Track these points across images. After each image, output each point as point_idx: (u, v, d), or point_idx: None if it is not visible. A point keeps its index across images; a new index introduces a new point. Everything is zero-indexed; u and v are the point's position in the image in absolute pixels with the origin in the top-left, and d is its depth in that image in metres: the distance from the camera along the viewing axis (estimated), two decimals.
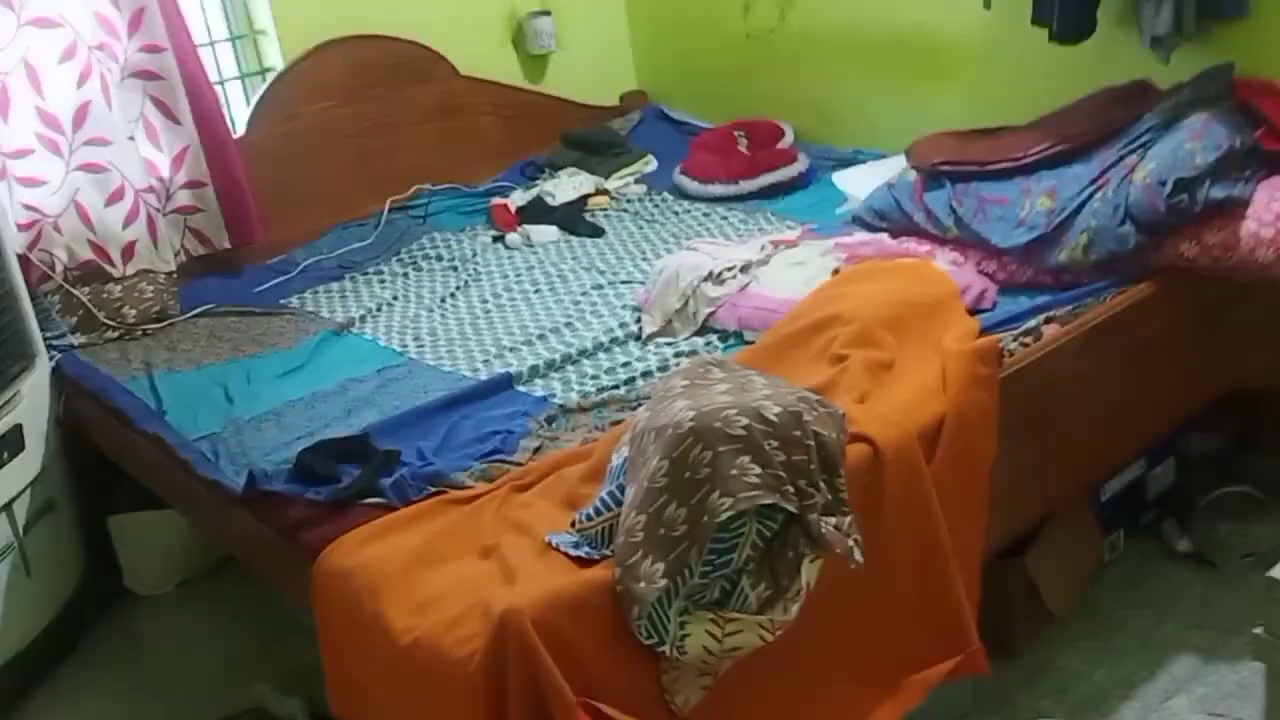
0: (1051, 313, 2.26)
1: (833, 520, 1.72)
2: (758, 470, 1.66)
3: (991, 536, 2.05)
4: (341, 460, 2.10)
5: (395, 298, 2.90)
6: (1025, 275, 2.42)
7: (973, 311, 2.28)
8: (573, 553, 1.74)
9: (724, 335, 2.43)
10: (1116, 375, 2.27)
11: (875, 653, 1.92)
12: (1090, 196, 2.37)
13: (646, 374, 2.33)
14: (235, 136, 3.15)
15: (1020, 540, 2.28)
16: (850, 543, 1.71)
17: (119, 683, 2.76)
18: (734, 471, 1.65)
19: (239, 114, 3.38)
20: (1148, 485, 2.63)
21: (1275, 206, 2.30)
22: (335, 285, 3.04)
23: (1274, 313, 2.57)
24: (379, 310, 2.84)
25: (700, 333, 2.45)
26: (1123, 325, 2.25)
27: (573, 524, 1.80)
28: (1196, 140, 2.33)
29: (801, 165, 3.26)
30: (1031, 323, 2.22)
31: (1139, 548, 2.60)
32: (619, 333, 2.51)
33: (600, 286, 2.78)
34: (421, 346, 2.61)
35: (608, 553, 1.72)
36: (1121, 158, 2.41)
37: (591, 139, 3.61)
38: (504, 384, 2.34)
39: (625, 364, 2.38)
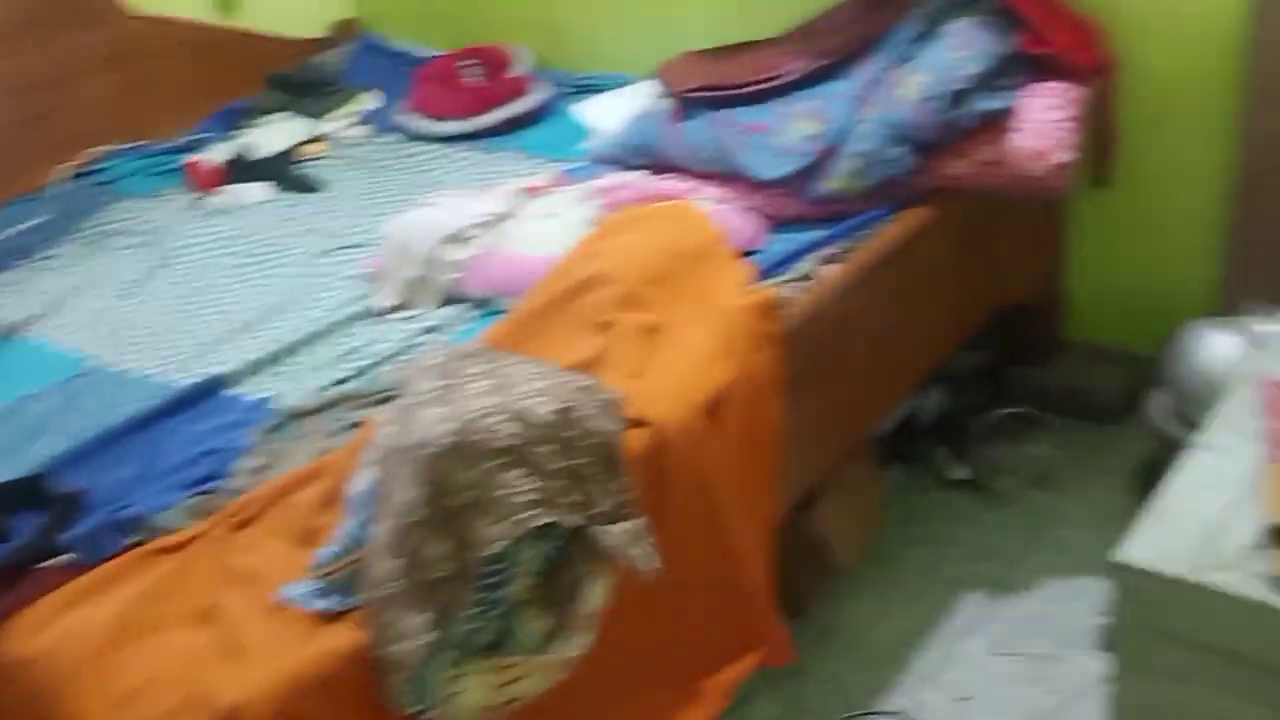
0: (827, 250, 2.08)
1: (620, 527, 1.48)
2: (532, 485, 1.39)
3: (780, 502, 1.88)
4: (13, 508, 1.70)
5: (77, 287, 2.44)
6: (794, 208, 2.22)
7: (743, 255, 2.07)
8: (314, 607, 1.44)
9: (475, 304, 2.13)
10: (898, 308, 2.13)
11: (671, 655, 1.73)
12: (856, 117, 2.19)
13: (388, 358, 2.01)
14: None
15: (803, 495, 2.12)
16: (641, 549, 1.48)
17: None
18: (504, 491, 1.38)
19: None
20: (919, 413, 2.52)
21: (1042, 115, 2.20)
22: (2, 276, 2.54)
23: (1036, 224, 2.52)
24: (58, 305, 2.38)
25: (447, 303, 2.14)
26: (901, 255, 2.10)
27: (311, 568, 1.49)
28: (962, 49, 2.19)
29: (540, 95, 2.96)
30: (808, 265, 2.03)
31: (915, 480, 2.51)
32: (350, 310, 2.17)
33: (324, 254, 2.41)
34: (112, 348, 2.18)
35: (360, 600, 1.43)
36: (884, 72, 2.23)
37: (299, 78, 3.18)
38: (212, 388, 1.96)
39: (360, 348, 2.05)
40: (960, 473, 2.48)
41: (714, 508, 1.69)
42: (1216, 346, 2.17)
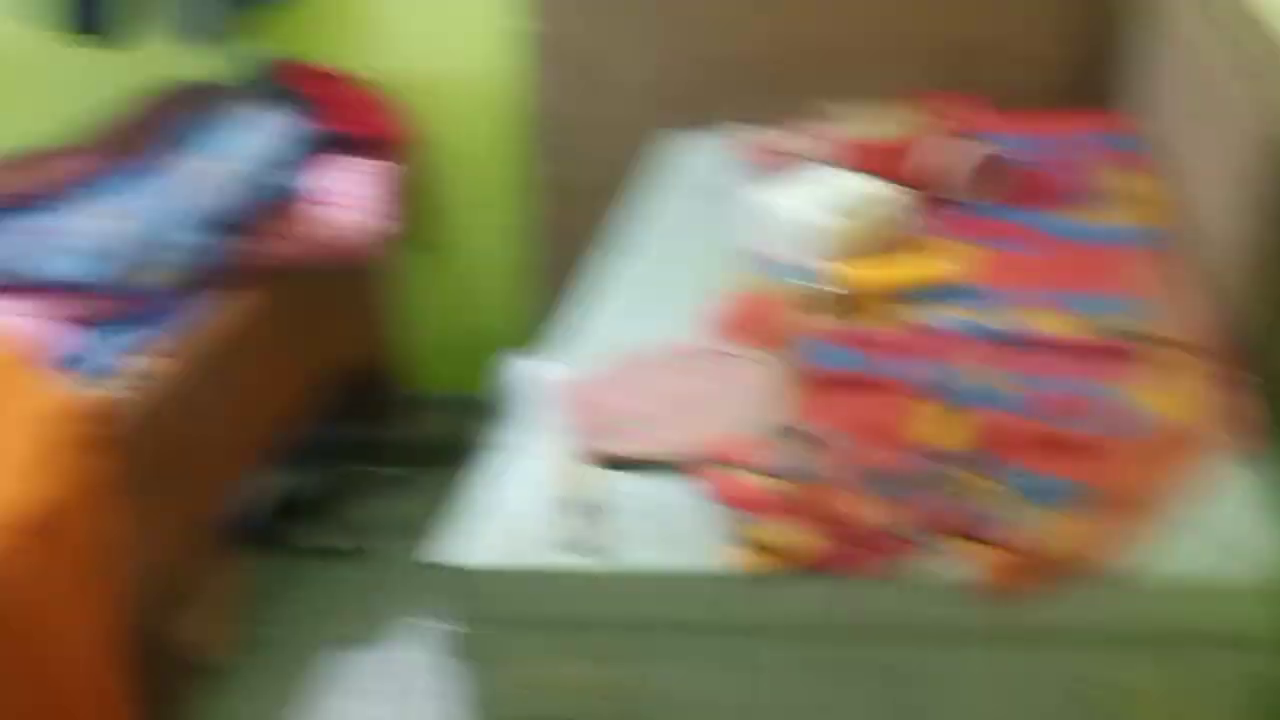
0: (152, 344, 2.01)
1: None
2: None
3: (133, 610, 1.77)
4: None
5: None
6: (111, 308, 2.12)
7: (57, 363, 1.93)
8: None
9: None
10: (234, 390, 2.12)
11: None
12: (164, 209, 2.15)
13: None
14: None
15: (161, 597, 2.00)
16: None
17: None
18: None
19: None
20: (273, 491, 2.51)
21: (349, 189, 2.32)
22: None
23: (363, 291, 2.58)
24: None
25: None
26: (229, 338, 2.10)
27: None
28: (261, 133, 2.27)
29: None
30: (132, 362, 1.96)
31: (286, 558, 2.48)
32: None
33: None
34: None
35: None
36: (190, 162, 2.24)
37: None
38: None
39: None
40: (328, 541, 2.48)
41: (46, 634, 1.54)
42: (523, 373, 2.39)
